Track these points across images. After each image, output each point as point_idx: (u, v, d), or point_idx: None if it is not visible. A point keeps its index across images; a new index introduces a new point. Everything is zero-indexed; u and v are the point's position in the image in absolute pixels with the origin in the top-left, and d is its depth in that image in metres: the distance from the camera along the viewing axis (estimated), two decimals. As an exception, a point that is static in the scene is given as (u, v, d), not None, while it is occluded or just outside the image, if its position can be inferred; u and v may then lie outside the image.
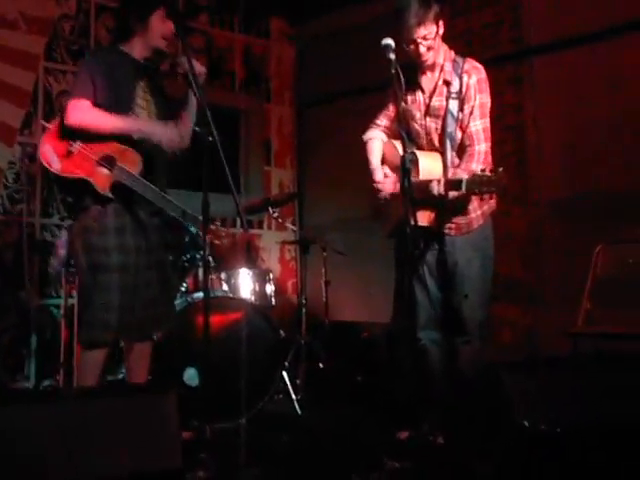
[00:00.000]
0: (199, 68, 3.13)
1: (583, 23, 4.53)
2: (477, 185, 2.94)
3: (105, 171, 3.04)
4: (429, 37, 3.22)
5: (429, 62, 3.29)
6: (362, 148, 3.57)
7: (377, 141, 3.56)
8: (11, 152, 4.94)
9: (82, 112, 3.04)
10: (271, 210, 4.77)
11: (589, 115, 4.51)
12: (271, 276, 4.72)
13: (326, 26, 6.14)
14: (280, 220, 4.93)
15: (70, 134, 3.07)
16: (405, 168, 2.83)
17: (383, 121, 3.58)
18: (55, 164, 2.98)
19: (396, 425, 3.53)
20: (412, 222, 2.89)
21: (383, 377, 4.56)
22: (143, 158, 3.12)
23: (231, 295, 4.43)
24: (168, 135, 3.17)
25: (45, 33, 5.12)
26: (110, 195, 3.04)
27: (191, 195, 4.59)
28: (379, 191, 3.44)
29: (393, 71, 3.01)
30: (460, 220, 3.33)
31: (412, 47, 3.23)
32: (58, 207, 5.08)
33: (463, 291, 3.32)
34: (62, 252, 4.26)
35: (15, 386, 4.77)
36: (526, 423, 2.63)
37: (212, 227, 3.16)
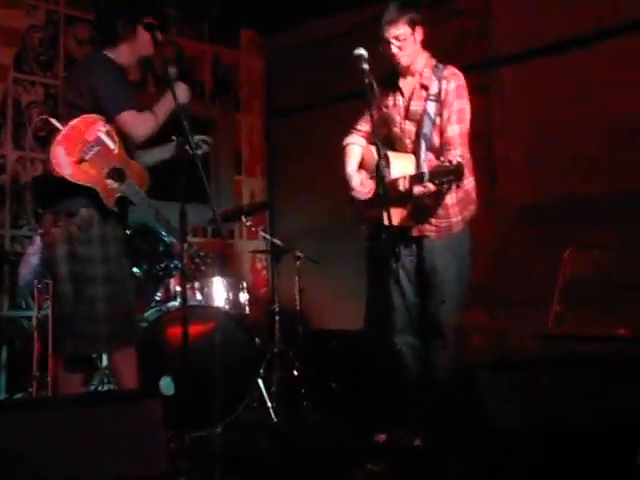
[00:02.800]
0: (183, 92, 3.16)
1: (551, 32, 4.62)
2: (437, 176, 3.01)
3: (113, 183, 3.05)
4: (401, 38, 3.29)
5: (403, 64, 3.36)
6: (340, 153, 3.62)
7: (356, 146, 3.62)
8: (-20, 164, 4.91)
9: (141, 122, 3.08)
10: (244, 219, 4.79)
11: (556, 123, 4.61)
12: (244, 284, 4.74)
13: (296, 37, 6.16)
14: (253, 229, 4.94)
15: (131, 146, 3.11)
16: (380, 175, 2.89)
17: (364, 126, 3.62)
18: (66, 169, 2.95)
19: (373, 429, 3.57)
20: (388, 227, 2.95)
21: (358, 383, 4.59)
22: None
23: (205, 304, 4.44)
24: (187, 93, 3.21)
25: (14, 44, 5.09)
26: (115, 208, 3.06)
27: (163, 205, 4.62)
28: (354, 197, 3.49)
29: (366, 81, 3.07)
30: (441, 223, 3.39)
31: (385, 47, 3.30)
32: (28, 218, 5.05)
33: (441, 296, 3.38)
34: (34, 260, 4.18)
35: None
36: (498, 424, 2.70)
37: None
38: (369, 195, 3.44)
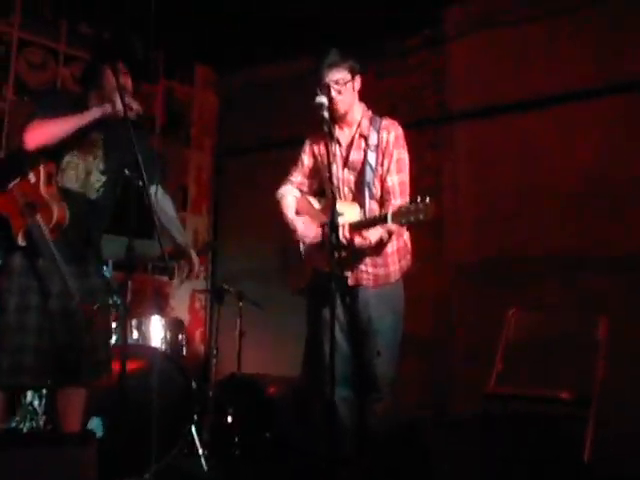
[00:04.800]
0: (136, 106, 3.07)
1: (503, 95, 4.76)
2: (404, 215, 2.93)
3: (24, 218, 2.98)
4: (341, 82, 3.28)
5: (340, 110, 3.33)
6: (276, 205, 3.55)
7: (291, 197, 3.56)
8: None
9: (37, 130, 2.97)
10: (187, 257, 4.67)
11: (503, 182, 4.71)
12: (183, 324, 4.62)
13: (251, 77, 6.19)
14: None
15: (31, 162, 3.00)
16: (334, 224, 2.85)
17: (297, 177, 3.58)
18: None
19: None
20: (337, 277, 2.89)
21: (292, 434, 4.49)
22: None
23: (141, 343, 4.31)
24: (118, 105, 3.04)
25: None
26: (22, 243, 2.99)
27: (106, 239, 4.49)
28: (303, 239, 3.41)
29: (326, 129, 3.06)
30: (379, 271, 3.34)
31: (324, 91, 3.24)
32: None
33: (376, 348, 3.32)
34: None
35: None
36: None
37: None
38: (316, 239, 3.39)
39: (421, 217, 2.90)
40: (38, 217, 2.98)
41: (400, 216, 2.95)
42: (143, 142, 3.16)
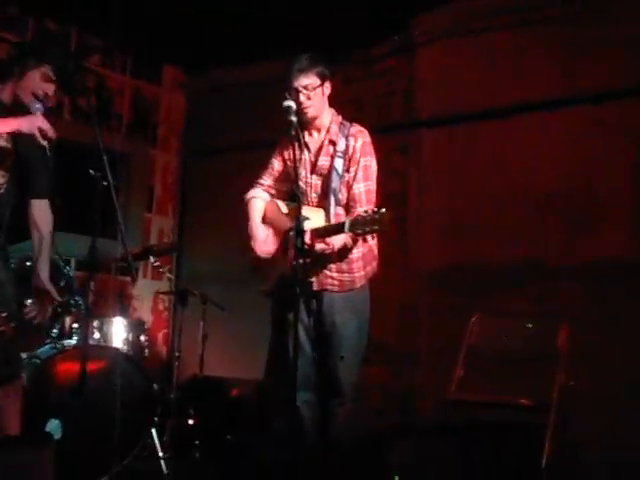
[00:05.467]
0: (51, 134, 2.99)
1: (472, 101, 4.80)
2: (360, 225, 2.94)
3: None
4: (310, 87, 3.29)
5: (309, 114, 3.34)
6: (244, 206, 3.55)
7: (259, 200, 3.56)
8: None
9: None
10: (152, 259, 4.64)
11: (471, 189, 4.74)
12: (146, 326, 4.58)
13: (220, 80, 6.16)
14: (161, 270, 4.79)
15: None
16: (300, 229, 2.84)
17: (267, 180, 3.58)
18: None
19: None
20: (303, 281, 2.89)
21: (254, 437, 4.47)
22: None
23: (102, 343, 4.26)
24: (38, 122, 2.96)
25: None
26: None
27: (70, 238, 4.44)
28: (253, 250, 3.43)
29: (293, 133, 3.06)
30: (344, 277, 3.35)
31: (293, 96, 3.25)
32: None
33: (339, 352, 3.32)
34: None
35: None
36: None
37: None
38: (270, 253, 3.39)
39: (376, 227, 2.91)
40: None
41: (357, 225, 2.96)
42: (40, 158, 3.10)
